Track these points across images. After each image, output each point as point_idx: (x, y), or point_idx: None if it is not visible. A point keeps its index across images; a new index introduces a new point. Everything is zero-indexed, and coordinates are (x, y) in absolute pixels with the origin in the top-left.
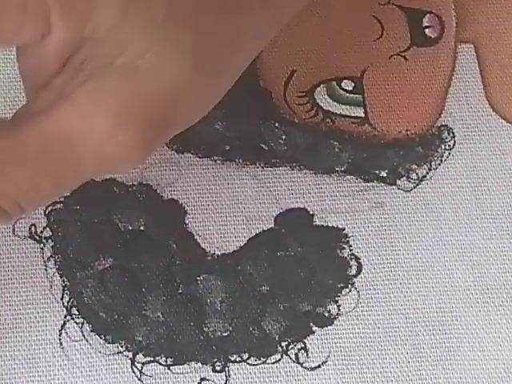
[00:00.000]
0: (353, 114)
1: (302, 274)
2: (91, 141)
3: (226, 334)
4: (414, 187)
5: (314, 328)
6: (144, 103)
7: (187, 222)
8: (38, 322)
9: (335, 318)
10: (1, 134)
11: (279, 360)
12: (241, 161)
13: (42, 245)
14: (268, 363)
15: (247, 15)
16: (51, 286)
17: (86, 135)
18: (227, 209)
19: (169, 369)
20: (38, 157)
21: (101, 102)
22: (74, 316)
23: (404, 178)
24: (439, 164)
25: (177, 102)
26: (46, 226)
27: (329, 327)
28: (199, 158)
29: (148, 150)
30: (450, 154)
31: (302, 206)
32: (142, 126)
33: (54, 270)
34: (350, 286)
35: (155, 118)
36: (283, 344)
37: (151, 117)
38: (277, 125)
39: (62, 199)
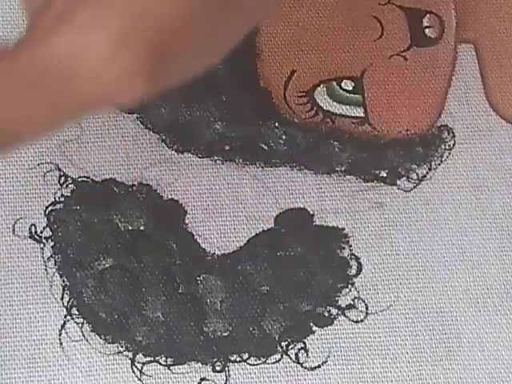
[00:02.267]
0: (353, 114)
1: (301, 274)
2: (92, 64)
3: (226, 334)
4: (414, 187)
5: (314, 328)
6: (146, 25)
7: (187, 221)
8: (38, 321)
9: (335, 318)
10: (1, 57)
11: (279, 360)
12: (241, 161)
13: (42, 245)
14: (268, 363)
15: None
16: (51, 286)
17: (86, 58)
18: (227, 209)
19: (169, 369)
20: (37, 81)
21: (101, 24)
22: (74, 316)
23: (404, 178)
24: (439, 164)
25: (178, 28)
26: (46, 225)
27: (329, 327)
28: (199, 158)
29: (149, 78)
30: (449, 154)
31: (302, 206)
32: (144, 49)
33: (54, 270)
34: (349, 285)
35: (158, 41)
36: (283, 344)
37: (154, 40)
38: (277, 125)
39: (63, 199)
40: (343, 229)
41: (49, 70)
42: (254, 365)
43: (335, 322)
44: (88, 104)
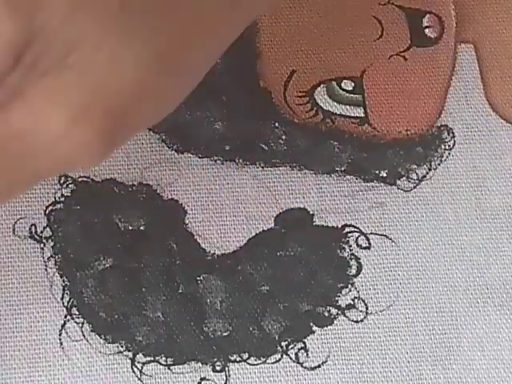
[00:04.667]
0: (353, 114)
1: (301, 274)
2: (46, 139)
3: (226, 334)
4: (414, 187)
5: (314, 328)
6: (102, 98)
7: (187, 222)
8: (38, 321)
9: (335, 318)
10: None
11: (279, 360)
12: (241, 161)
13: (42, 245)
14: (268, 363)
15: (214, 15)
16: (51, 286)
17: (40, 133)
18: (227, 209)
19: (169, 369)
20: None
21: (55, 99)
22: (74, 316)
23: (404, 178)
24: (439, 164)
25: (137, 96)
26: (46, 225)
27: (329, 327)
28: (199, 158)
29: (107, 147)
30: (449, 154)
31: (302, 206)
32: (100, 122)
33: (54, 269)
34: (349, 285)
35: (114, 112)
36: (283, 344)
37: (110, 112)
38: (277, 125)
39: (63, 199)
40: (343, 229)
41: (3, 145)
42: (254, 365)
43: (335, 322)
44: (45, 174)
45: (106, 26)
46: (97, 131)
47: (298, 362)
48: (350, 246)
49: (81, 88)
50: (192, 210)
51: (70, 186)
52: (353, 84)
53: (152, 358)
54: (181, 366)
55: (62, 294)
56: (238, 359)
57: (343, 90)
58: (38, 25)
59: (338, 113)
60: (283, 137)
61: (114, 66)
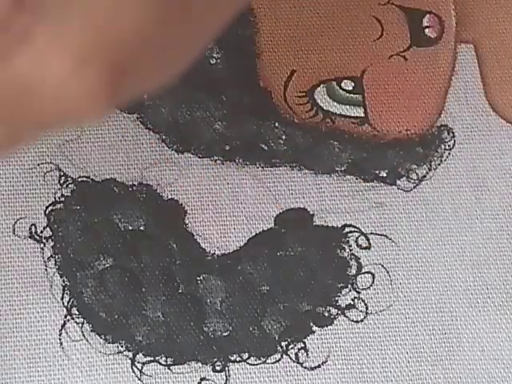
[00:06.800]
0: (353, 114)
1: (301, 274)
2: (50, 82)
3: (226, 334)
4: (414, 187)
5: (314, 328)
6: (105, 42)
7: (187, 222)
8: (38, 321)
9: (335, 318)
10: None
11: (279, 360)
12: (241, 161)
13: (42, 245)
14: (268, 363)
15: None
16: (51, 286)
17: (45, 77)
18: (227, 209)
19: (169, 369)
20: None
21: (60, 42)
22: (74, 316)
23: (404, 178)
24: (439, 164)
25: (141, 43)
26: (46, 225)
27: (329, 327)
28: (199, 158)
29: (110, 94)
30: (449, 153)
31: (302, 206)
32: (105, 66)
33: (54, 269)
34: (349, 285)
35: (119, 56)
36: (283, 344)
37: (115, 55)
38: (277, 125)
39: (63, 199)
40: (343, 229)
41: (7, 91)
42: (254, 365)
43: (335, 322)
44: (48, 124)
45: None
46: (100, 75)
47: (298, 362)
48: (350, 245)
49: (85, 31)
50: (192, 209)
51: (69, 186)
52: (353, 84)
53: (152, 358)
54: (181, 366)
55: (62, 294)
56: (238, 359)
57: (343, 89)
58: None
59: (338, 113)
60: (283, 137)
61: (118, 10)
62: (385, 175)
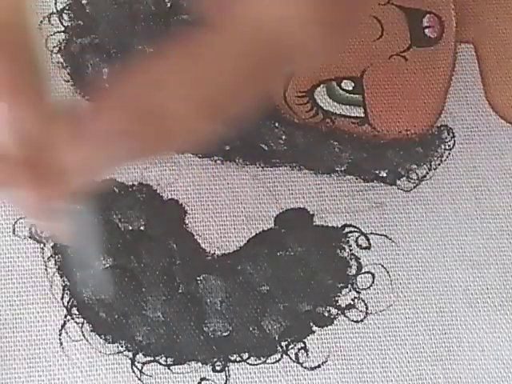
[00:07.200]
0: (353, 114)
1: (301, 274)
2: (277, 20)
3: (226, 334)
4: (414, 187)
5: (314, 328)
6: None
7: (187, 222)
8: (38, 321)
9: (335, 318)
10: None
11: (279, 360)
12: (241, 161)
13: (42, 245)
14: (268, 363)
15: None
16: (51, 286)
17: (270, 15)
18: (227, 209)
19: (169, 368)
20: (250, 47)
21: None
22: (74, 316)
23: (404, 178)
24: (439, 164)
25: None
26: None
27: (329, 327)
28: (199, 158)
29: (328, 29)
30: (449, 154)
31: (302, 206)
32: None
33: (54, 269)
34: (349, 285)
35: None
36: (283, 344)
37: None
38: (277, 125)
39: None
40: (343, 229)
41: (258, 36)
42: (253, 365)
43: (335, 322)
44: (288, 61)
45: None
46: (317, 9)
47: (298, 362)
48: (350, 245)
49: None
50: (192, 210)
51: None
52: (353, 84)
53: (152, 358)
54: (181, 366)
55: (62, 294)
56: (238, 359)
57: (343, 89)
58: None
59: (338, 113)
60: (283, 137)
61: None
62: (385, 175)
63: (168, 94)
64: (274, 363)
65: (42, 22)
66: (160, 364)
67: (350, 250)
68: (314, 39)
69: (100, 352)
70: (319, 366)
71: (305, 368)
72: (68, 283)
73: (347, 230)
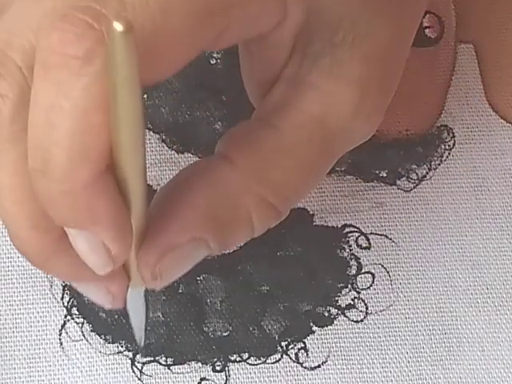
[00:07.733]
0: None
1: (301, 274)
2: (342, 118)
3: (226, 334)
4: (414, 187)
5: (314, 328)
6: (378, 68)
7: None
8: (38, 321)
9: (335, 318)
10: (253, 138)
11: (279, 360)
12: None
13: None
14: (268, 363)
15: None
16: (51, 286)
17: (336, 114)
18: None
19: (169, 369)
20: (299, 150)
21: (342, 77)
22: (74, 316)
23: (404, 178)
24: (439, 164)
25: (394, 65)
26: None
27: (329, 327)
28: (199, 158)
29: (382, 116)
30: (449, 153)
31: (301, 206)
32: (381, 92)
33: None
34: (349, 285)
35: (387, 81)
36: (283, 344)
37: (385, 81)
38: None
39: None
40: (343, 229)
41: (306, 136)
42: (253, 365)
43: (335, 322)
44: (335, 159)
45: (362, 5)
46: (379, 100)
47: (298, 362)
48: (350, 245)
49: (358, 62)
50: None
51: None
52: None
53: (152, 358)
54: (181, 366)
55: (62, 294)
56: (238, 359)
57: None
58: (315, 5)
59: None
60: None
61: (373, 36)
62: (385, 175)
63: None
64: (274, 363)
65: None
66: (160, 364)
67: (350, 250)
68: (375, 126)
69: (100, 352)
70: (319, 366)
71: (305, 368)
72: (68, 283)
73: (347, 229)
